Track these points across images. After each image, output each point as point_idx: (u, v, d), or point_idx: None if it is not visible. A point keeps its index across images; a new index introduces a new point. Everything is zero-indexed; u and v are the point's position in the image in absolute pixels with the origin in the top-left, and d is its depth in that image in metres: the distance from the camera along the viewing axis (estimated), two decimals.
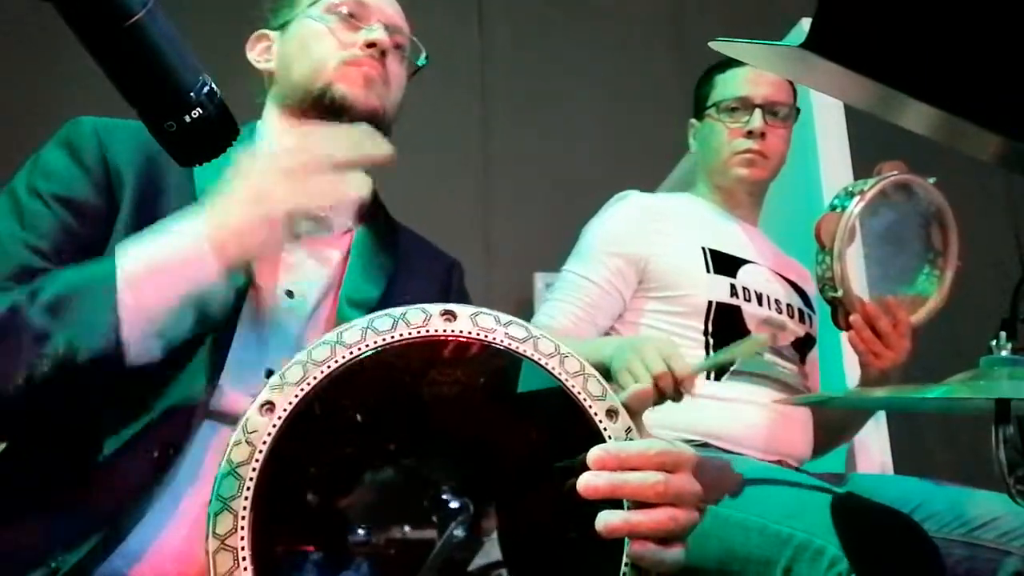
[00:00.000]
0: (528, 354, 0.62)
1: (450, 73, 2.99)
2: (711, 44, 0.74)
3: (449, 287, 1.18)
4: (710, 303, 1.46)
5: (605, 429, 0.62)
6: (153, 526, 0.80)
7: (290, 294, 0.98)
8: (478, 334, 0.62)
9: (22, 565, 0.75)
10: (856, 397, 1.30)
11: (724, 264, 1.51)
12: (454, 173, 2.97)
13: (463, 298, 1.19)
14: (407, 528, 0.60)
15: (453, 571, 0.59)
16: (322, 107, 1.05)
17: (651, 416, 1.35)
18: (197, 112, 0.58)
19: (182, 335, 0.79)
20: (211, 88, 0.59)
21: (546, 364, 0.62)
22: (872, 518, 1.05)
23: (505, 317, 0.63)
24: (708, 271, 1.49)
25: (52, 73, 2.43)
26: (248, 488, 0.55)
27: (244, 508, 0.55)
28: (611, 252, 1.51)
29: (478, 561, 0.60)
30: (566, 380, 0.62)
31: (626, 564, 0.60)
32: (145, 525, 0.80)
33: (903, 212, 1.42)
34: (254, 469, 0.55)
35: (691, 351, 1.44)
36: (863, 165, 1.62)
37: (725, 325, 1.46)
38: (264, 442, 0.56)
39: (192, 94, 0.58)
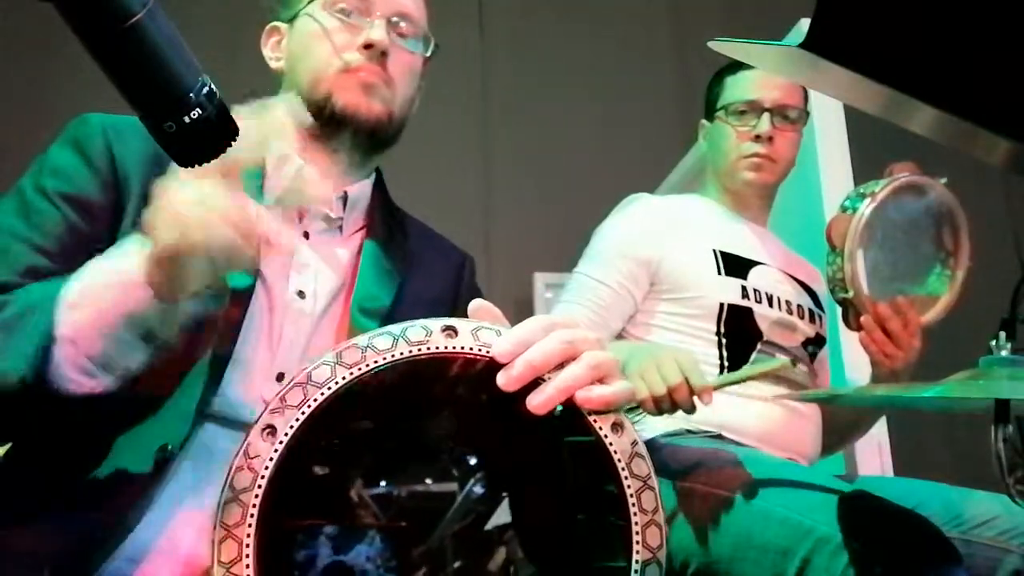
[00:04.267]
0: None
1: (450, 73, 2.99)
2: (710, 44, 0.74)
3: (459, 286, 1.16)
4: (722, 305, 1.47)
5: (611, 444, 0.62)
6: (154, 530, 0.80)
7: (301, 295, 0.96)
8: (479, 349, 0.62)
9: (22, 568, 0.75)
10: (858, 395, 1.31)
11: (735, 266, 1.53)
12: (454, 173, 2.97)
13: (474, 294, 1.16)
14: (428, 481, 0.61)
15: (472, 524, 0.60)
16: (324, 119, 1.01)
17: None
18: (197, 113, 0.57)
19: (131, 364, 0.76)
20: (211, 88, 0.59)
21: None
22: (897, 521, 1.06)
23: (507, 330, 0.63)
24: (719, 273, 1.50)
25: (52, 73, 2.44)
26: (252, 515, 0.56)
27: (248, 535, 0.55)
28: (623, 255, 1.53)
29: (492, 521, 0.60)
30: None
31: (637, 552, 0.60)
32: (146, 528, 0.80)
33: (914, 213, 1.43)
34: (256, 495, 0.56)
35: (704, 350, 1.46)
36: (863, 165, 1.62)
37: (737, 326, 1.47)
38: (266, 467, 0.57)
39: (192, 94, 0.57)
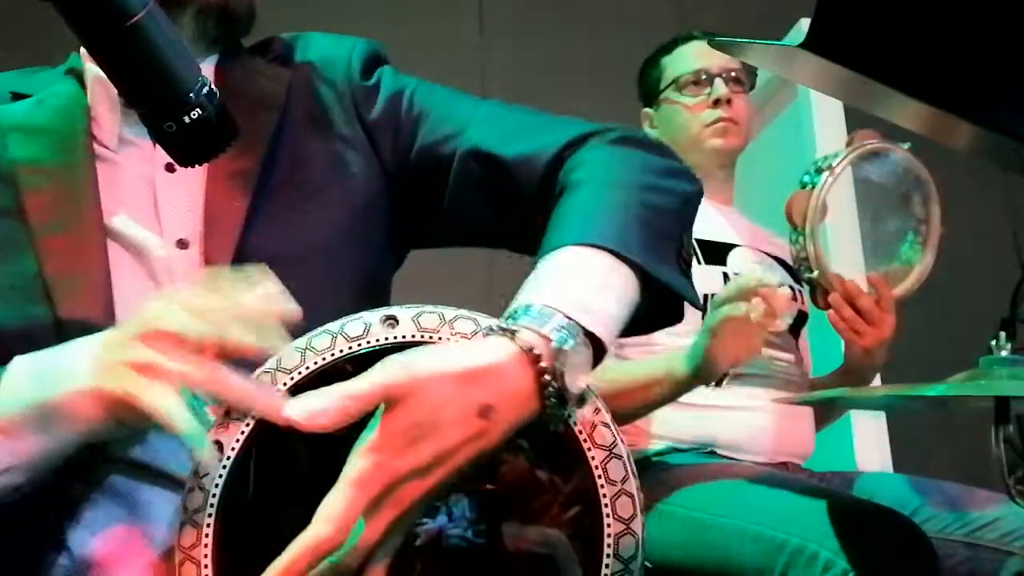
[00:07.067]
0: None
1: (450, 72, 2.98)
2: (710, 44, 0.74)
3: (347, 117, 0.90)
4: (706, 296, 1.45)
5: (569, 416, 0.60)
6: None
7: (182, 244, 0.78)
8: (423, 336, 0.60)
9: None
10: (857, 395, 1.30)
11: (714, 253, 1.50)
12: None
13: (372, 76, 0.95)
14: None
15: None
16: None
17: (655, 426, 1.36)
18: (197, 112, 0.58)
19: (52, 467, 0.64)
20: (211, 88, 0.59)
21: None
22: (868, 519, 1.05)
23: (451, 312, 0.61)
24: (699, 263, 1.47)
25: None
26: (207, 536, 0.55)
27: (205, 556, 0.55)
28: None
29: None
30: None
31: (608, 525, 0.59)
32: None
33: (880, 182, 1.37)
34: (209, 515, 0.55)
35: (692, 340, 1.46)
36: None
37: None
38: (216, 485, 0.56)
39: (192, 94, 0.58)
